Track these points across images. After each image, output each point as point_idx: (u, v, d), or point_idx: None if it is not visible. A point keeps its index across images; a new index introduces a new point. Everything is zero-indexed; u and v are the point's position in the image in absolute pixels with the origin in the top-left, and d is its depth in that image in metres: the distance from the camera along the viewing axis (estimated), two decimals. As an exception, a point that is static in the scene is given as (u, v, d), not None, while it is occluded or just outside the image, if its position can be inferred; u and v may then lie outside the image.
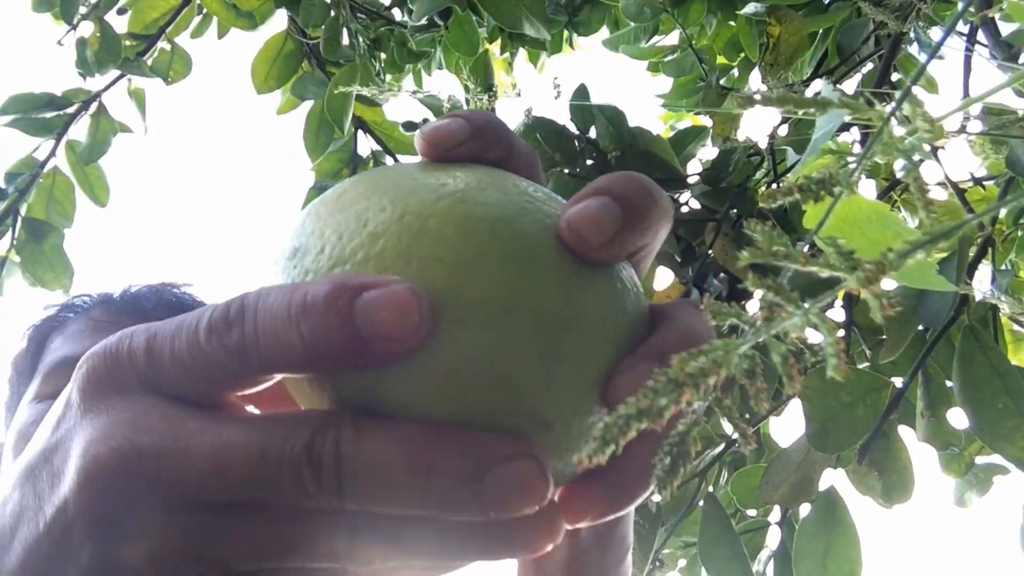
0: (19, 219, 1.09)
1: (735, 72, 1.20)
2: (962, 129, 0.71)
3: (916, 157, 0.22)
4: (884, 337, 0.75)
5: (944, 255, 0.71)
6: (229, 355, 0.21)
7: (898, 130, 0.26)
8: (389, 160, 1.25)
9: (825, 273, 0.16)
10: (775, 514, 0.81)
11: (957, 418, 0.71)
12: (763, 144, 0.88)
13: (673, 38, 1.20)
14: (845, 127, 0.85)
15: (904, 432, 0.72)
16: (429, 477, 0.20)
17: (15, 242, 1.08)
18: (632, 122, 0.87)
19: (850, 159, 0.30)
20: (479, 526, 0.22)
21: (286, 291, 0.21)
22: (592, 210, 0.23)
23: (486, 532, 0.22)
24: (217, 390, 0.22)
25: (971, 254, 0.74)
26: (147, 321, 0.71)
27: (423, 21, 1.08)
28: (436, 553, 0.22)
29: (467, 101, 0.97)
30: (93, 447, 0.21)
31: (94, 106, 1.10)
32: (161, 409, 0.22)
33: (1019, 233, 0.91)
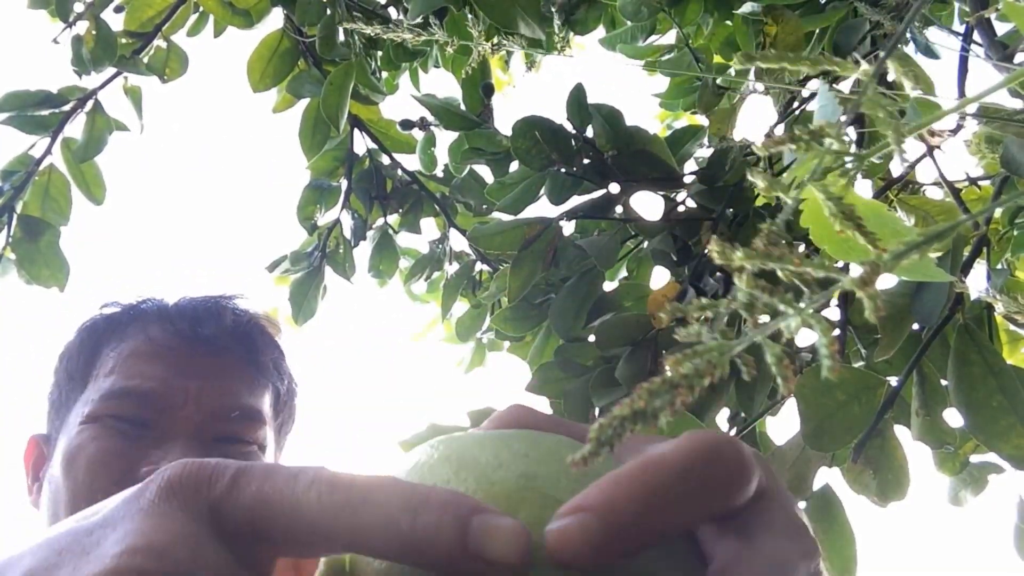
0: (14, 217, 1.08)
1: (731, 71, 1.20)
2: (958, 128, 0.72)
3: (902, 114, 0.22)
4: (879, 336, 0.75)
5: (939, 254, 0.71)
6: (323, 510, 0.21)
7: (893, 131, 0.26)
8: (385, 159, 1.25)
9: (820, 274, 0.16)
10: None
11: (952, 417, 0.71)
12: (759, 143, 0.88)
13: (670, 37, 1.20)
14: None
15: (899, 431, 0.73)
16: None
17: (10, 239, 1.08)
18: (628, 121, 0.87)
19: (847, 158, 0.30)
20: None
21: (408, 484, 0.22)
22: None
23: None
24: (280, 546, 0.22)
25: (966, 253, 0.75)
26: (207, 345, 0.72)
27: (418, 20, 1.08)
28: None
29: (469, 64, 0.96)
30: (119, 555, 0.20)
31: (90, 104, 1.10)
32: (203, 550, 0.21)
33: (1015, 232, 0.91)
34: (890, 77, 0.89)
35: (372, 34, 0.71)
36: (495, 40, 0.77)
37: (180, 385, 0.65)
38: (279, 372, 0.73)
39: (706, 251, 0.83)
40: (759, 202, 0.89)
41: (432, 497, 0.21)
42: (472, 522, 0.20)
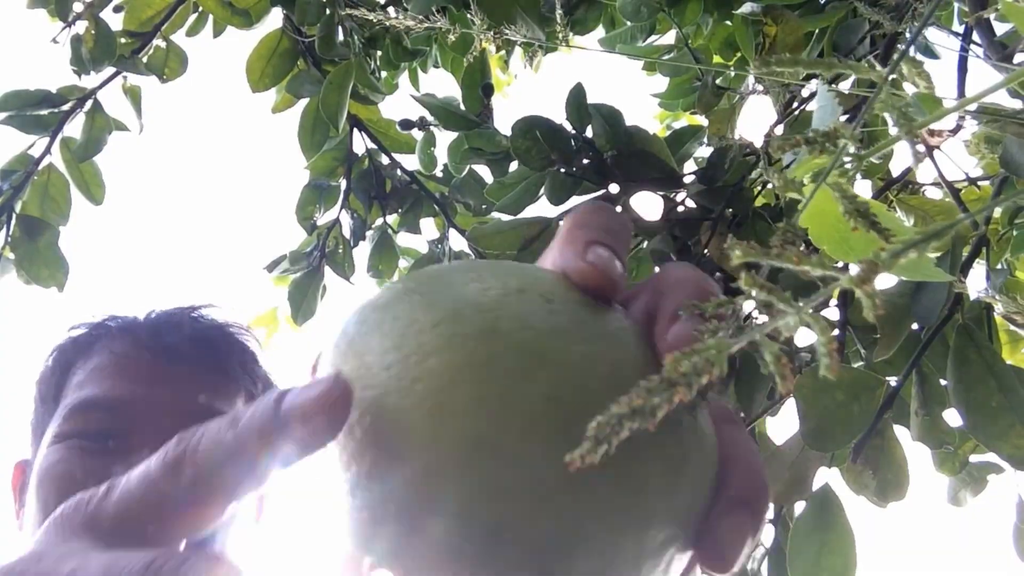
0: (14, 216, 1.08)
1: (731, 72, 1.20)
2: (958, 128, 0.72)
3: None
4: (878, 336, 0.75)
5: (938, 254, 0.71)
6: (166, 468, 0.23)
7: (893, 129, 0.26)
8: (384, 159, 1.25)
9: (818, 272, 0.16)
10: (770, 512, 0.81)
11: (952, 417, 0.71)
12: (759, 143, 0.88)
13: (669, 37, 1.20)
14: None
15: (898, 431, 0.73)
16: None
17: (9, 239, 1.08)
18: (628, 121, 0.87)
19: (846, 158, 0.30)
20: None
21: (232, 415, 0.23)
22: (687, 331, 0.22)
23: None
24: (161, 526, 0.23)
25: (965, 253, 0.75)
26: (170, 355, 0.73)
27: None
28: None
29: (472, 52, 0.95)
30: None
31: (89, 103, 1.10)
32: (84, 550, 0.23)
33: (1014, 232, 0.91)
34: (889, 77, 0.89)
35: (375, 20, 0.71)
36: (496, 31, 0.77)
37: (144, 395, 0.65)
38: (250, 376, 0.72)
39: (706, 252, 0.83)
40: (759, 202, 0.89)
41: (250, 409, 0.23)
42: (284, 399, 0.22)
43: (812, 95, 0.91)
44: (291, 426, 0.22)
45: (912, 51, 0.92)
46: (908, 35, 0.86)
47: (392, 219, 1.29)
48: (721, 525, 0.22)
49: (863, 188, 0.91)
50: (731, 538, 0.22)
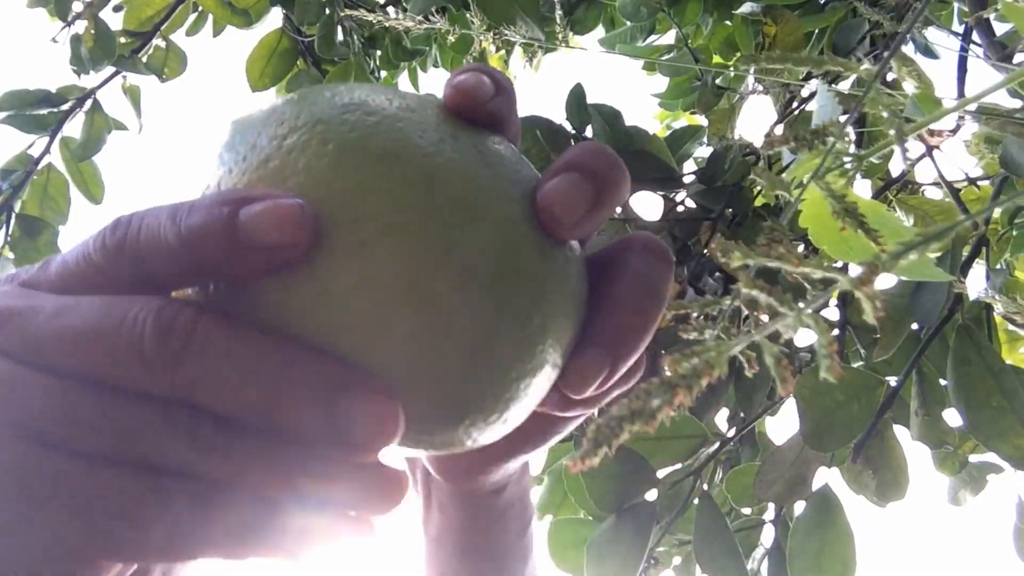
0: (13, 215, 1.08)
1: (731, 71, 1.20)
2: (958, 128, 0.71)
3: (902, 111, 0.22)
4: (878, 336, 0.75)
5: (938, 254, 0.71)
6: (107, 253, 0.21)
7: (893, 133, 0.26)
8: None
9: (818, 274, 0.16)
10: (770, 512, 0.81)
11: (951, 417, 0.71)
12: (759, 143, 0.88)
13: (669, 37, 1.20)
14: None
15: (898, 431, 0.73)
16: (279, 384, 0.20)
17: (9, 239, 1.08)
18: (628, 121, 0.87)
19: (846, 158, 0.30)
20: (325, 465, 0.21)
21: (174, 202, 0.22)
22: (565, 188, 0.23)
23: (323, 473, 0.21)
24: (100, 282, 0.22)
25: (965, 253, 0.75)
26: None
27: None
28: (266, 478, 0.21)
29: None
30: None
31: (88, 103, 1.10)
32: (44, 295, 0.22)
33: (1013, 232, 0.91)
34: (889, 76, 0.89)
35: (374, 21, 0.71)
36: (496, 31, 0.77)
37: None
38: None
39: (706, 252, 0.83)
40: (758, 202, 0.89)
41: (198, 202, 0.21)
42: (240, 214, 0.20)
43: (812, 95, 0.91)
44: (251, 244, 0.20)
45: (912, 50, 0.92)
46: (908, 35, 0.86)
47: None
48: (574, 362, 0.24)
49: (863, 188, 0.91)
50: (580, 375, 0.24)
